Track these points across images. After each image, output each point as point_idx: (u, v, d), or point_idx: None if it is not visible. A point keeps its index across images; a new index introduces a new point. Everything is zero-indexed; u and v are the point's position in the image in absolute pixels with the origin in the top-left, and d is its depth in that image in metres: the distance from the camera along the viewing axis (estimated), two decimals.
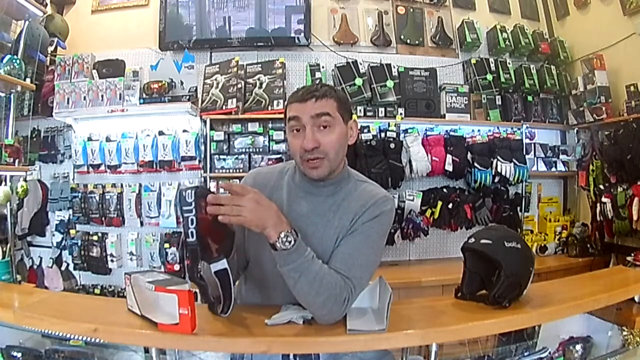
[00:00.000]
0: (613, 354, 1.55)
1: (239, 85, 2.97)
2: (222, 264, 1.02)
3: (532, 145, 3.32)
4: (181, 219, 0.99)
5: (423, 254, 3.17)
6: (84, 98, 2.92)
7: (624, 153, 2.82)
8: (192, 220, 0.98)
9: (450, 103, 3.17)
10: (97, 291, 2.95)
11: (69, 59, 3.03)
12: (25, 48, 2.60)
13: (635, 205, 2.70)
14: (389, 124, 3.04)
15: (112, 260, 2.92)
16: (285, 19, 3.10)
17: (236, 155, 2.96)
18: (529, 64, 3.41)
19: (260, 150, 2.98)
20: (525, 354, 1.50)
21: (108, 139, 2.98)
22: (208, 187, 2.89)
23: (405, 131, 3.06)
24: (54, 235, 3.03)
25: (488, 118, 3.26)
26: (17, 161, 2.40)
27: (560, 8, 3.53)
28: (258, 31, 3.10)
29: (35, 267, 2.99)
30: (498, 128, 3.22)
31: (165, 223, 2.93)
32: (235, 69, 2.98)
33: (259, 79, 3.01)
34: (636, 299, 1.52)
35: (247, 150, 2.97)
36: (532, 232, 3.29)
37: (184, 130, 2.95)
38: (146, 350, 1.29)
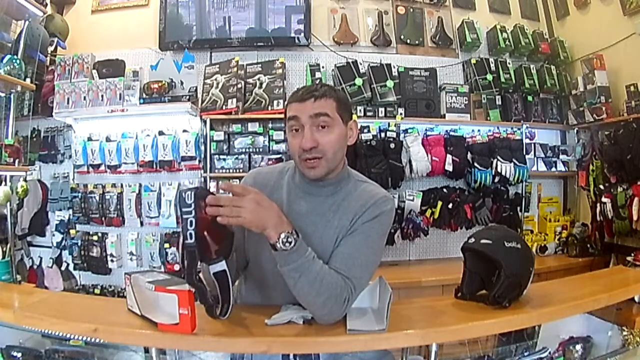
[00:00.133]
0: (613, 354, 1.54)
1: (239, 85, 2.97)
2: (221, 265, 1.02)
3: (532, 145, 3.32)
4: (180, 220, 0.99)
5: (423, 254, 3.17)
6: (84, 98, 2.92)
7: (624, 153, 2.82)
8: (191, 221, 0.97)
9: (450, 103, 3.17)
10: (97, 291, 2.95)
11: (69, 59, 3.04)
12: (25, 48, 2.59)
13: (635, 205, 2.70)
14: (389, 124, 3.04)
15: (112, 260, 2.92)
16: (285, 19, 3.10)
17: (236, 155, 2.96)
18: (529, 64, 3.41)
19: (260, 150, 2.98)
20: (525, 354, 1.50)
21: (108, 139, 2.98)
22: (208, 187, 2.89)
23: (405, 131, 3.06)
24: (54, 235, 3.03)
25: (488, 118, 3.25)
26: (17, 161, 2.40)
27: (560, 8, 3.53)
28: (258, 31, 3.10)
29: (35, 267, 2.99)
30: (498, 128, 3.22)
31: (165, 223, 2.93)
32: (235, 69, 2.98)
33: (259, 79, 3.01)
34: (636, 299, 1.52)
35: (247, 150, 2.97)
36: (532, 232, 3.30)
37: (184, 130, 2.95)
38: (146, 350, 1.29)
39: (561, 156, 3.42)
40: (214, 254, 1.01)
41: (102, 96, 2.91)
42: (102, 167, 2.99)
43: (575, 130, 3.41)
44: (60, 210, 3.04)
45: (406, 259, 3.14)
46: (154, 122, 2.98)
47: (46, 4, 2.77)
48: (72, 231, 2.98)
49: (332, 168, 1.15)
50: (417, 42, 3.29)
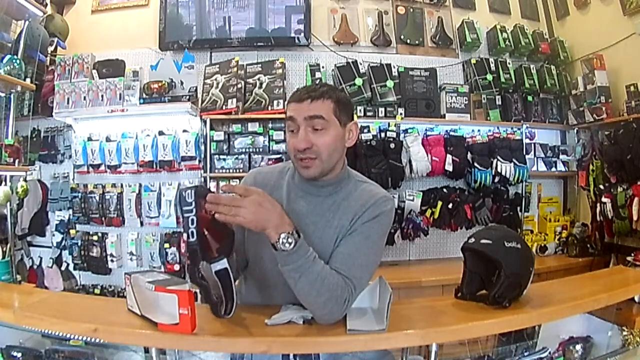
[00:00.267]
0: (613, 354, 1.55)
1: (239, 85, 2.96)
2: (223, 263, 1.02)
3: (532, 145, 3.32)
4: (181, 219, 0.99)
5: (423, 254, 3.17)
6: (84, 98, 2.92)
7: (624, 153, 2.82)
8: (192, 220, 0.98)
9: (450, 103, 3.17)
10: (97, 291, 2.95)
11: (69, 59, 3.03)
12: (25, 48, 2.59)
13: (635, 205, 2.70)
14: (389, 124, 3.04)
15: (112, 260, 2.92)
16: (285, 19, 3.10)
17: (236, 155, 2.96)
18: (529, 64, 3.41)
19: (260, 150, 2.98)
20: (525, 354, 1.50)
21: (108, 139, 2.98)
22: (208, 187, 2.89)
23: (405, 131, 3.06)
24: (54, 235, 3.03)
25: (488, 118, 3.25)
26: (17, 161, 2.39)
27: (560, 8, 3.53)
28: (258, 31, 3.10)
29: (35, 267, 2.99)
30: (498, 128, 3.22)
31: (165, 223, 2.93)
32: (235, 69, 2.98)
33: (259, 79, 3.01)
34: (636, 299, 1.52)
35: (247, 150, 2.97)
36: (532, 232, 3.29)
37: (184, 130, 2.95)
38: (146, 350, 1.29)
39: (561, 156, 3.42)
40: (215, 252, 1.01)
41: (102, 96, 2.91)
42: (102, 167, 2.99)
43: (575, 130, 3.41)
44: (60, 210, 3.04)
45: (406, 259, 3.14)
46: (154, 122, 2.98)
47: (46, 4, 2.77)
48: (72, 231, 2.98)
49: (328, 168, 1.15)
50: (417, 42, 3.29)
